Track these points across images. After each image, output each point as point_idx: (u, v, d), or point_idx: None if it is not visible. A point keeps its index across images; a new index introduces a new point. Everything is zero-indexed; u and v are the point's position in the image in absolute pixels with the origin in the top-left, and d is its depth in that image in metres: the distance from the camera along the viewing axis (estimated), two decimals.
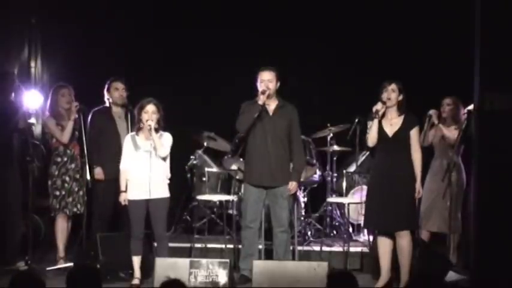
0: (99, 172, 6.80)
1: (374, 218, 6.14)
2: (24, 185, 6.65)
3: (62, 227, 6.84)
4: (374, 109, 6.06)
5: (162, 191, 6.16)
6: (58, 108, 6.86)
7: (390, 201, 5.97)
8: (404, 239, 6.04)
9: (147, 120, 6.08)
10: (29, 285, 3.95)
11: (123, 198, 6.17)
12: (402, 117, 6.10)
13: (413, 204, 6.11)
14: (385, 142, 6.07)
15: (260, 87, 6.27)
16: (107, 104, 6.95)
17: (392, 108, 6.11)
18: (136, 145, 6.16)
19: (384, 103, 6.06)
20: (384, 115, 6.11)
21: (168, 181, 6.23)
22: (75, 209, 6.84)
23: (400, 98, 6.10)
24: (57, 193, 6.78)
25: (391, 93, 6.07)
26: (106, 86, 6.92)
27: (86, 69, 7.82)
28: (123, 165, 6.20)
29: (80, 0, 7.96)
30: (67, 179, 6.81)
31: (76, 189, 6.83)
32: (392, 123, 6.09)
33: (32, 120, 6.93)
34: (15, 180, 6.70)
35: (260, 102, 6.22)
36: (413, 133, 6.08)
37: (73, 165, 6.85)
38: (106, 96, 6.93)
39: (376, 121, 6.05)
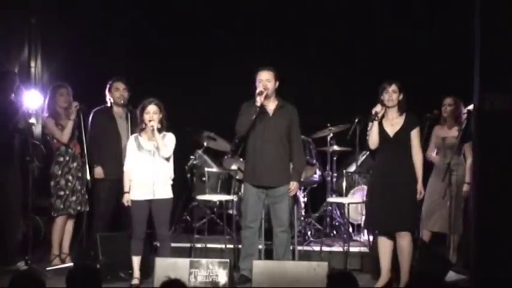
0: (99, 172, 6.80)
1: (375, 218, 6.13)
2: (24, 185, 6.64)
3: (61, 227, 6.85)
4: (373, 111, 6.05)
5: (165, 192, 6.16)
6: (56, 107, 6.87)
7: (391, 201, 5.96)
8: (404, 239, 6.04)
9: (149, 121, 6.08)
10: (29, 285, 3.95)
11: (126, 199, 6.17)
12: (403, 117, 6.10)
13: (414, 205, 6.10)
14: (386, 142, 6.06)
15: (258, 87, 6.27)
16: (108, 104, 6.95)
17: (393, 108, 6.10)
18: (139, 146, 6.17)
19: (383, 105, 6.05)
20: (383, 116, 6.10)
21: (172, 182, 6.23)
22: (79, 208, 6.86)
23: (401, 97, 6.10)
24: (62, 193, 6.79)
25: (392, 94, 6.06)
26: (108, 86, 6.92)
27: (86, 69, 7.81)
28: (126, 166, 6.20)
29: (80, 0, 7.96)
30: (70, 178, 6.82)
31: (79, 187, 6.86)
32: (394, 123, 6.09)
33: (32, 120, 6.93)
34: (15, 180, 6.70)
35: (257, 103, 6.21)
36: (414, 134, 6.07)
37: (75, 164, 6.86)
38: (107, 96, 6.93)
39: (376, 123, 6.04)
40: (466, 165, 6.73)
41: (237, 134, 6.54)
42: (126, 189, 6.18)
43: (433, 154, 6.90)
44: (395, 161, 6.04)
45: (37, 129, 7.40)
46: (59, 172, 6.80)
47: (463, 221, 6.70)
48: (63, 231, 6.90)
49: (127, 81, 6.94)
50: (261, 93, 6.21)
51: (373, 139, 6.07)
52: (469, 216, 6.44)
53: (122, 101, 6.87)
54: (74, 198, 6.83)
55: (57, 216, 6.83)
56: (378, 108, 6.05)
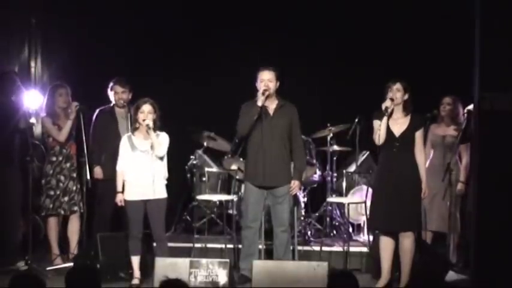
0: (98, 172, 6.81)
1: (380, 218, 6.07)
2: (24, 185, 6.64)
3: (54, 227, 6.87)
4: (383, 106, 6.01)
5: (159, 192, 6.14)
6: (55, 107, 6.90)
7: (396, 201, 5.93)
8: (408, 239, 6.02)
9: (144, 120, 6.08)
10: (29, 285, 3.95)
11: (119, 199, 6.17)
12: (409, 117, 6.07)
13: (419, 205, 6.09)
14: (391, 141, 6.03)
15: (260, 87, 6.26)
16: (111, 104, 6.98)
17: (399, 108, 6.07)
18: (133, 146, 6.16)
19: (392, 100, 6.03)
20: (391, 114, 6.07)
21: (166, 182, 6.22)
22: (75, 208, 6.86)
23: (406, 97, 6.08)
24: (52, 193, 6.81)
25: (396, 92, 6.04)
26: (109, 87, 6.95)
27: (86, 69, 7.81)
28: (119, 166, 6.20)
29: (80, 1, 7.96)
30: (62, 178, 6.83)
31: (74, 188, 6.85)
32: (399, 123, 6.06)
33: (33, 120, 6.94)
34: (15, 180, 6.69)
35: (259, 103, 6.21)
36: (418, 134, 6.05)
37: (68, 164, 6.87)
38: (110, 95, 6.97)
39: (385, 119, 6.01)
40: (461, 165, 6.74)
41: (237, 134, 6.53)
42: (119, 189, 6.17)
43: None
44: (400, 160, 6.01)
45: (37, 129, 7.40)
46: (51, 172, 6.82)
47: (462, 221, 6.71)
48: (57, 231, 6.91)
49: (127, 81, 6.95)
50: (264, 92, 6.20)
51: (382, 134, 6.00)
52: (467, 215, 6.46)
53: (120, 104, 6.89)
54: (66, 198, 6.83)
55: (47, 216, 6.84)
56: (387, 103, 6.02)
